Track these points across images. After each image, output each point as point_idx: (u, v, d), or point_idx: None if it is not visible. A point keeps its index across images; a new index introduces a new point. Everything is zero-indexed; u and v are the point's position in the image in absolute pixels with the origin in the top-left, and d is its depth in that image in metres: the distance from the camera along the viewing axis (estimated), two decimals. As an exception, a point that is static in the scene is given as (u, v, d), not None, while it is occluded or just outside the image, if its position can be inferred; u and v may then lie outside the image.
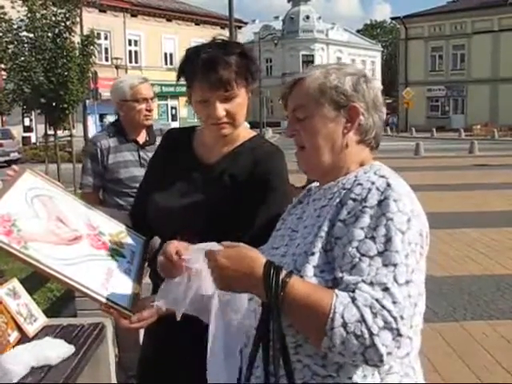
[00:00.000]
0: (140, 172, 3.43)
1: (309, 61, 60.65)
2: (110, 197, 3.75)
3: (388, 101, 70.34)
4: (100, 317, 3.47)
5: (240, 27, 48.77)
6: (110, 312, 1.77)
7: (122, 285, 1.83)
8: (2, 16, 14.77)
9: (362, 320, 1.31)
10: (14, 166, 2.16)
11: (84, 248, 1.88)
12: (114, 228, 2.08)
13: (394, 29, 77.95)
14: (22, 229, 1.77)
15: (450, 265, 7.61)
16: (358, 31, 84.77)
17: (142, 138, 3.80)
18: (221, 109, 1.94)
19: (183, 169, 2.08)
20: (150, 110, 3.74)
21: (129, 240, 2.06)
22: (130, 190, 3.61)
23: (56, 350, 2.83)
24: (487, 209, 11.79)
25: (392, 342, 1.31)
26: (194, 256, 1.58)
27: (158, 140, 3.83)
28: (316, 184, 1.73)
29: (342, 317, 1.32)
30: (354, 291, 1.35)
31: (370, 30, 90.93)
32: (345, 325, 1.31)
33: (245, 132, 2.12)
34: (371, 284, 1.35)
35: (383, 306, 1.31)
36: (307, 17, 65.35)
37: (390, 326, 1.30)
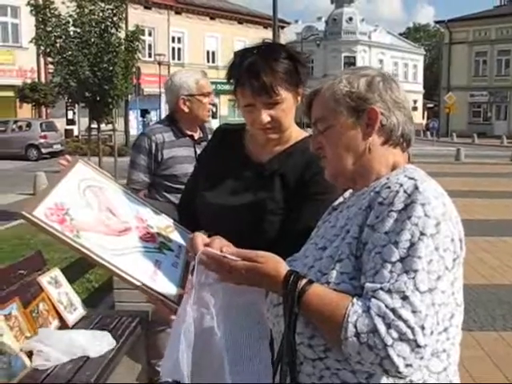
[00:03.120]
0: None
1: (351, 62, 60.31)
2: (160, 193, 3.60)
3: (429, 105, 69.65)
4: (137, 309, 3.52)
5: (283, 27, 48.70)
6: (156, 303, 1.78)
7: (169, 278, 1.85)
8: (52, 11, 15.08)
9: (375, 330, 1.27)
10: (67, 156, 2.22)
11: (133, 239, 1.91)
12: (162, 222, 2.10)
13: (438, 32, 76.98)
14: (75, 218, 1.81)
15: (490, 273, 7.47)
16: (401, 34, 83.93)
17: (196, 134, 3.71)
18: (265, 114, 1.94)
19: (233, 166, 2.08)
20: (213, 105, 3.67)
21: (176, 234, 2.08)
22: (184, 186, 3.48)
23: (97, 348, 2.87)
24: (528, 218, 11.53)
25: (411, 353, 1.26)
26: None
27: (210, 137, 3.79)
28: (351, 191, 1.69)
29: (355, 327, 1.29)
30: (371, 299, 1.32)
31: (413, 33, 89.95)
32: (358, 335, 1.29)
33: (297, 132, 2.10)
34: (389, 292, 1.30)
35: (400, 316, 1.27)
36: (350, 18, 65.01)
37: (406, 337, 1.26)
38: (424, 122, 60.84)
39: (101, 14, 15.52)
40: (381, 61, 65.80)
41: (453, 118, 49.26)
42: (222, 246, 1.59)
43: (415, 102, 63.85)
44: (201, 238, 1.65)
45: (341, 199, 1.73)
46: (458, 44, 54.18)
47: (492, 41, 52.87)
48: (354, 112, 1.55)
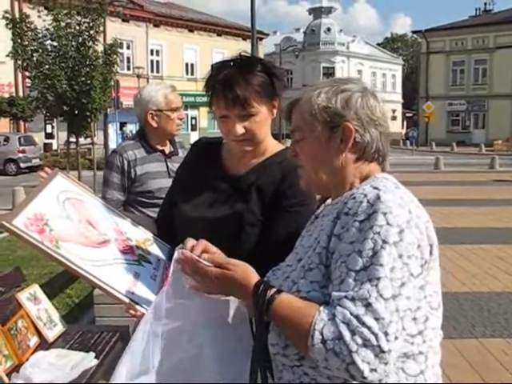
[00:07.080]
0: (169, 183, 3.34)
1: (329, 73, 60.65)
2: (136, 209, 3.59)
3: (408, 114, 70.19)
4: (119, 324, 3.49)
5: (261, 39, 48.96)
6: (135, 315, 1.78)
7: (148, 289, 1.86)
8: (28, 25, 15.04)
9: (341, 337, 1.31)
10: (47, 169, 2.22)
11: (112, 251, 1.93)
12: (140, 235, 2.11)
13: (415, 42, 77.77)
14: (54, 228, 1.82)
15: (470, 281, 7.50)
16: (379, 44, 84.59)
17: (167, 148, 3.72)
18: (239, 127, 1.96)
19: (211, 179, 2.09)
20: (181, 119, 3.68)
21: (155, 248, 2.09)
22: (160, 200, 3.44)
23: (78, 368, 2.82)
24: (508, 225, 11.65)
25: (375, 359, 1.30)
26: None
27: (180, 151, 3.80)
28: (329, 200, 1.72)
29: (321, 334, 1.34)
30: (336, 307, 1.36)
31: (391, 43, 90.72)
32: (324, 342, 1.33)
33: (273, 145, 2.12)
34: (353, 299, 1.34)
35: (363, 323, 1.31)
36: (328, 29, 65.40)
37: (370, 343, 1.30)
38: (403, 131, 61.38)
39: (77, 28, 15.51)
40: (359, 71, 66.25)
41: (432, 127, 49.74)
42: (205, 248, 1.63)
43: (394, 111, 64.41)
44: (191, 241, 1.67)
45: (322, 207, 1.75)
46: (436, 53, 54.80)
47: (468, 50, 53.54)
48: (329, 127, 1.58)
